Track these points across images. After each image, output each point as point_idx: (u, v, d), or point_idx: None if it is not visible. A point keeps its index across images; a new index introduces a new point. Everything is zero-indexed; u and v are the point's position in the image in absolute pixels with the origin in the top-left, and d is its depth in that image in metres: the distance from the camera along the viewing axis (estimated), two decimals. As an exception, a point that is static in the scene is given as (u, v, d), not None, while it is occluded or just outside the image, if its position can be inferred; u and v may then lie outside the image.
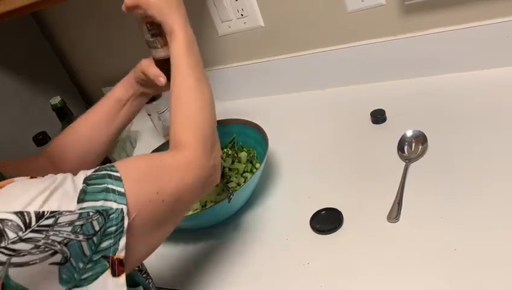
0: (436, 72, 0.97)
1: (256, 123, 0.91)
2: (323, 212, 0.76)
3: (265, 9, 1.07)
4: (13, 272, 0.40)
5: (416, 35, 0.95)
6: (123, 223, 0.47)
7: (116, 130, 0.79)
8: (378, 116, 0.92)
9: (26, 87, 1.24)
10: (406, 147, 0.83)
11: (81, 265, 0.44)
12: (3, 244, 0.40)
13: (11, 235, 0.40)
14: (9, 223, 0.40)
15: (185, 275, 0.77)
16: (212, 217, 0.80)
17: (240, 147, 0.94)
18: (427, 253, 0.64)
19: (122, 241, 0.47)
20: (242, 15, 1.10)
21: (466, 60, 0.93)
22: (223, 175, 0.88)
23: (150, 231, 0.52)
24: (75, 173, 0.50)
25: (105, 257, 0.46)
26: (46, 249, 0.42)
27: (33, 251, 0.41)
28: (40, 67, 1.29)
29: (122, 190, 0.48)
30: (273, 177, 0.90)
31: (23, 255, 0.40)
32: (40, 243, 0.41)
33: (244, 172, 0.87)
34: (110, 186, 0.48)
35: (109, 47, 1.36)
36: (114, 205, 0.47)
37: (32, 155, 0.80)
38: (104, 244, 0.46)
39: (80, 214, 0.44)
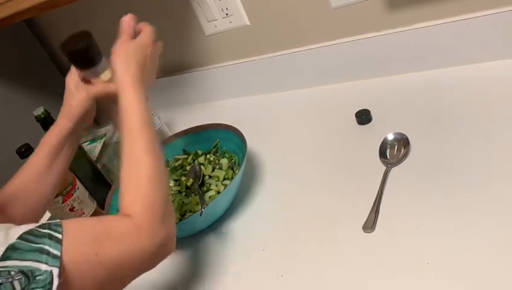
0: (424, 68, 0.93)
1: (238, 129, 0.89)
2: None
3: (249, 8, 1.04)
4: None
5: (402, 30, 0.91)
6: (51, 286, 0.44)
7: (55, 180, 0.74)
8: (363, 117, 0.89)
9: (21, 95, 1.25)
10: (388, 151, 0.80)
11: None
12: None
13: None
14: None
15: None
16: (190, 228, 0.80)
17: (223, 152, 0.93)
18: (399, 266, 0.62)
19: None
20: (227, 14, 1.07)
21: (454, 54, 0.89)
22: (203, 183, 0.87)
23: None
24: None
25: None
26: None
27: None
28: (34, 74, 1.30)
29: (58, 253, 0.46)
30: (256, 181, 0.89)
31: None
32: None
33: (224, 179, 0.86)
34: (46, 247, 0.46)
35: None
36: (43, 267, 0.45)
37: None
38: None
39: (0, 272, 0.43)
